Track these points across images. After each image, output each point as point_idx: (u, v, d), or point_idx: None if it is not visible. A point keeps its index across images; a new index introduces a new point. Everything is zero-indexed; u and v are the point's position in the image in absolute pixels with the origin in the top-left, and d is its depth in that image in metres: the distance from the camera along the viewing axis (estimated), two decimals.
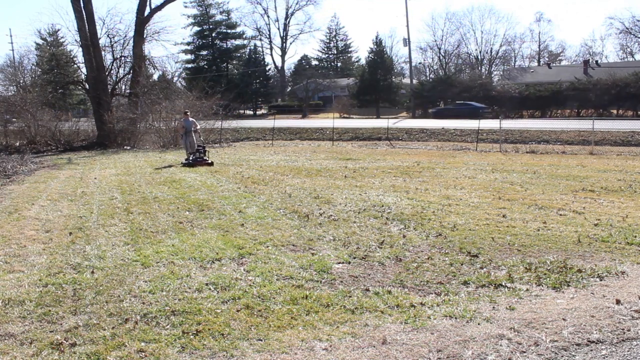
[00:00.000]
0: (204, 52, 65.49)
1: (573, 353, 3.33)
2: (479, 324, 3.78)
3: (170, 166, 14.58)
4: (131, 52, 25.95)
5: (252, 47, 65.81)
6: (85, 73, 26.44)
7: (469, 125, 25.13)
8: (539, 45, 65.76)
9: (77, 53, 39.53)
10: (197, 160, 14.31)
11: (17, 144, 23.64)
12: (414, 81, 50.33)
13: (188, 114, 16.70)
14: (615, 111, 36.56)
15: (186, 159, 14.86)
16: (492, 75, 57.41)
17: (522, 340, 3.51)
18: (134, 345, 3.50)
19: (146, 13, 25.76)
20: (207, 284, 4.62)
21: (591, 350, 3.37)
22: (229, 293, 4.41)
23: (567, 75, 43.39)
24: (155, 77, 34.76)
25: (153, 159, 16.92)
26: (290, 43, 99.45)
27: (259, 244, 5.92)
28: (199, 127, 16.64)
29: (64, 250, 5.81)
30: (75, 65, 31.96)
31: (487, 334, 3.62)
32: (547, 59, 62.54)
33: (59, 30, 52.19)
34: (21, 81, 46.03)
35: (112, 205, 8.58)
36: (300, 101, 57.97)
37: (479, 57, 60.84)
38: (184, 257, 5.43)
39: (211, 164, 14.26)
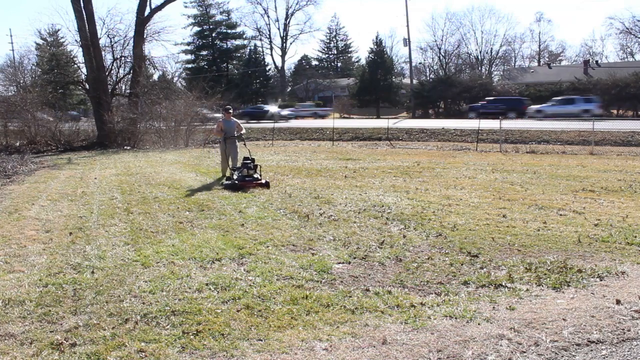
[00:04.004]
0: (204, 52, 65.55)
1: (573, 353, 3.33)
2: (479, 324, 3.78)
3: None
4: (131, 52, 25.92)
5: (252, 47, 65.94)
6: (85, 73, 26.42)
7: (469, 125, 25.14)
8: (539, 45, 65.85)
9: (77, 53, 39.52)
10: (245, 179, 10.08)
11: (17, 144, 23.62)
12: (414, 81, 50.37)
13: (230, 112, 11.76)
14: (615, 111, 36.56)
15: (228, 178, 10.86)
16: (492, 76, 57.46)
17: (522, 340, 3.51)
18: (134, 345, 3.50)
19: (146, 13, 25.73)
20: (207, 284, 4.62)
21: (591, 350, 3.37)
22: (229, 293, 4.41)
23: (567, 75, 43.46)
24: (156, 77, 34.84)
25: (153, 159, 16.92)
26: (291, 43, 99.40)
27: (259, 244, 5.92)
28: (243, 130, 11.88)
29: (64, 250, 5.81)
30: (75, 65, 31.97)
31: (487, 334, 3.62)
32: (547, 59, 62.60)
33: (59, 30, 52.29)
34: (21, 81, 46.11)
35: (112, 205, 8.58)
36: (300, 101, 58.01)
37: (479, 57, 60.88)
38: (184, 257, 5.43)
39: (267, 184, 10.03)
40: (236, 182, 10.01)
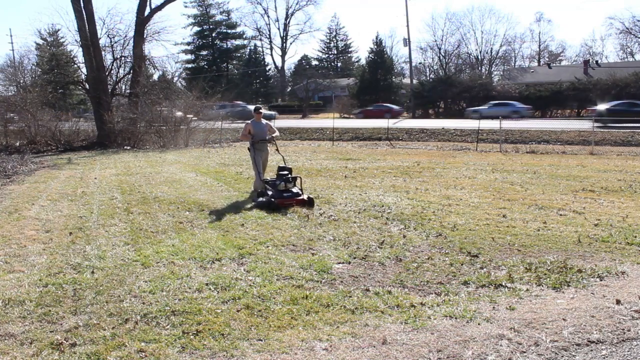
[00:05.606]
0: (204, 52, 65.63)
1: (573, 353, 3.33)
2: (479, 324, 3.78)
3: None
4: (131, 52, 25.90)
5: (252, 47, 66.10)
6: (85, 73, 26.41)
7: (469, 125, 25.14)
8: (539, 45, 65.87)
9: (77, 53, 39.57)
10: (283, 196, 8.06)
11: (17, 144, 23.62)
12: (414, 81, 50.33)
13: (262, 113, 9.58)
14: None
15: (260, 194, 8.49)
16: (492, 76, 57.47)
17: (522, 340, 3.51)
18: (134, 345, 3.50)
19: (146, 13, 25.72)
20: (207, 284, 4.62)
21: (591, 350, 3.37)
22: (229, 293, 4.41)
23: (567, 75, 43.43)
24: (156, 77, 34.79)
25: (153, 159, 16.91)
26: (291, 43, 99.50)
27: (259, 244, 5.92)
28: (277, 133, 9.84)
29: (64, 250, 5.81)
30: (75, 65, 31.94)
31: (487, 334, 3.62)
32: (547, 59, 62.62)
33: (59, 30, 52.41)
34: (21, 81, 46.16)
35: (112, 205, 8.58)
36: (300, 101, 58.02)
37: (479, 57, 60.87)
38: (184, 257, 5.43)
39: (310, 201, 8.04)
40: (272, 200, 7.93)
